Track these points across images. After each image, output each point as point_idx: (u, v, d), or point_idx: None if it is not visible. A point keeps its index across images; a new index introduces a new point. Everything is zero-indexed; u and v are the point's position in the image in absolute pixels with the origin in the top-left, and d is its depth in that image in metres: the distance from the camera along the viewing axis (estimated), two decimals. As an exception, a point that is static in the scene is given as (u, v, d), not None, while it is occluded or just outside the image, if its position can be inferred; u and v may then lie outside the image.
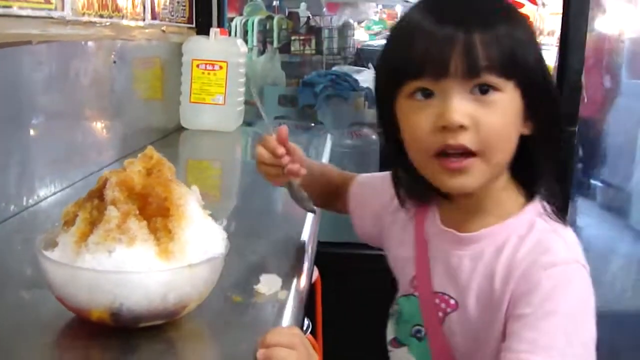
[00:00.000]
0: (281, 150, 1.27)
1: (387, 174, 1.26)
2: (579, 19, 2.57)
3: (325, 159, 2.55)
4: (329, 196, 1.43)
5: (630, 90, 4.59)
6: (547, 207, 1.10)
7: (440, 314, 1.14)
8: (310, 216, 1.52)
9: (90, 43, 1.87)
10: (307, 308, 1.13)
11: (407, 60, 1.04)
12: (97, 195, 0.96)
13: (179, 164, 2.56)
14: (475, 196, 1.10)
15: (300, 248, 1.39)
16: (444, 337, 1.14)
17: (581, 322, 1.00)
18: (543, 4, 5.55)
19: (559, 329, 0.98)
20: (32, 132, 1.56)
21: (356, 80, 4.05)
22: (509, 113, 1.03)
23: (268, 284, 1.13)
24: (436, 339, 1.15)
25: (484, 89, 1.01)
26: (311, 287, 2.43)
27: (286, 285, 1.16)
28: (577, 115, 2.61)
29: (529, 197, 1.11)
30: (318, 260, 1.58)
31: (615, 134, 4.72)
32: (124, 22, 2.13)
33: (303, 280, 1.24)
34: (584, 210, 4.95)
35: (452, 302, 1.12)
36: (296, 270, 1.26)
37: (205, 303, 1.01)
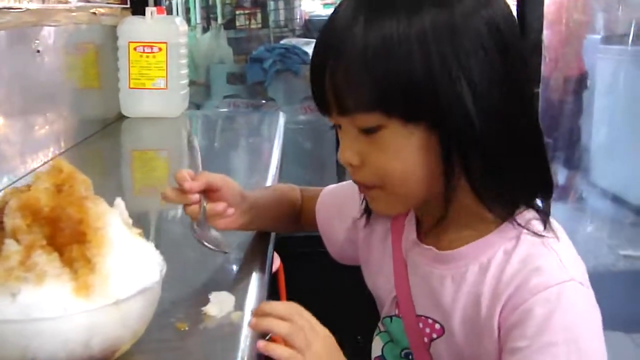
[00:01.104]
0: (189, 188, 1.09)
1: (346, 186, 1.23)
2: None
3: (278, 137, 2.41)
4: (289, 218, 1.31)
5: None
6: (534, 215, 0.99)
7: (426, 339, 1.05)
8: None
9: (5, 31, 1.67)
10: (270, 297, 0.99)
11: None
12: (-3, 223, 0.78)
13: (122, 156, 2.41)
14: (440, 210, 0.98)
15: (252, 257, 1.22)
16: None
17: (586, 348, 0.91)
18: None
19: None
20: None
21: (306, 53, 3.95)
22: (400, 150, 0.94)
23: (219, 304, 0.97)
24: None
25: (365, 129, 0.94)
26: (273, 276, 2.29)
27: (240, 302, 1.00)
28: (539, 76, 2.54)
29: (512, 206, 0.98)
30: (278, 247, 1.43)
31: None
32: (47, 5, 1.93)
33: (259, 293, 1.07)
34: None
35: (437, 326, 1.03)
36: (250, 282, 1.10)
37: (143, 338, 0.84)
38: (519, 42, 0.97)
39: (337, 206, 1.25)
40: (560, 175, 5.02)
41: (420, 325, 1.05)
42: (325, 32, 0.97)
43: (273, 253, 1.29)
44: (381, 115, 0.91)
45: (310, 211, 1.30)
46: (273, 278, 2.32)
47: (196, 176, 1.10)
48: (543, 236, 0.96)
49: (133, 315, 0.78)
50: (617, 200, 4.75)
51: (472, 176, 0.94)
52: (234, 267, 1.17)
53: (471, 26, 0.91)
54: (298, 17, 4.94)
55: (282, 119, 2.78)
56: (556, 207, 4.82)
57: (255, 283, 1.10)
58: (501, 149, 0.93)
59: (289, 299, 2.44)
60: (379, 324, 1.17)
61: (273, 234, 1.33)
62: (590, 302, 0.95)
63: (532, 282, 0.92)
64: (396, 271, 1.10)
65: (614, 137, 4.89)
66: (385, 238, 1.13)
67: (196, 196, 1.09)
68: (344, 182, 1.27)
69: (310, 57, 1.00)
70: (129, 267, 0.79)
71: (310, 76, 0.98)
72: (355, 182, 1.01)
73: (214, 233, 1.13)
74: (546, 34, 2.68)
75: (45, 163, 1.87)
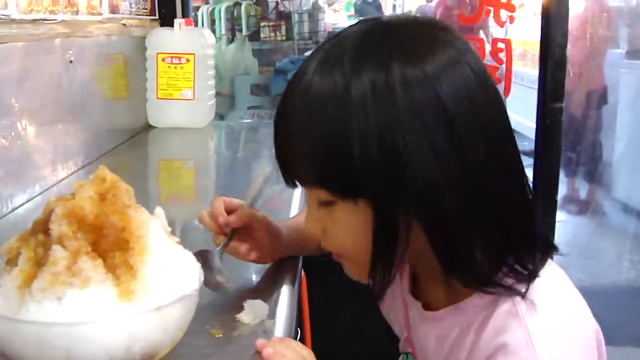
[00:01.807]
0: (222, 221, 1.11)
1: None
2: (561, -9, 2.47)
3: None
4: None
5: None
6: (513, 281, 0.91)
7: None
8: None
9: (41, 42, 1.71)
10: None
11: None
12: (42, 229, 0.80)
13: (149, 166, 2.43)
14: (426, 268, 0.98)
15: (284, 266, 1.24)
16: None
17: None
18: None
19: None
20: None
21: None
22: (350, 225, 0.90)
23: (253, 311, 0.99)
24: None
25: (321, 202, 0.92)
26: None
27: (273, 310, 1.02)
28: (563, 91, 2.53)
29: (484, 275, 0.91)
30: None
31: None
32: (79, 17, 1.96)
33: (288, 301, 1.09)
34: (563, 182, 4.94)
35: None
36: (279, 293, 1.12)
37: (179, 344, 0.86)
38: (480, 113, 0.87)
39: None
40: (581, 189, 4.99)
41: None
42: (279, 109, 0.94)
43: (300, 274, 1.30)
44: (325, 191, 0.89)
45: None
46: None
47: (236, 211, 1.11)
48: (520, 300, 0.89)
49: (173, 321, 0.80)
50: (638, 215, 4.72)
51: (432, 247, 0.89)
52: (266, 276, 1.19)
53: (414, 97, 0.83)
54: (322, 29, 4.94)
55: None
56: (577, 222, 4.81)
57: (286, 292, 1.12)
58: (463, 224, 0.87)
59: (310, 308, 2.45)
60: (400, 357, 1.16)
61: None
62: None
63: (497, 357, 0.87)
64: (404, 316, 1.10)
65: (636, 152, 4.86)
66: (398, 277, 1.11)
67: (228, 227, 1.11)
68: None
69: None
70: (169, 274, 0.81)
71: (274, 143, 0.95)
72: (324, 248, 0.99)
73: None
74: (570, 49, 2.66)
75: (75, 172, 1.90)
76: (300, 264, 1.28)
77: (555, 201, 2.67)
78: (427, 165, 0.83)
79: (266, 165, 2.28)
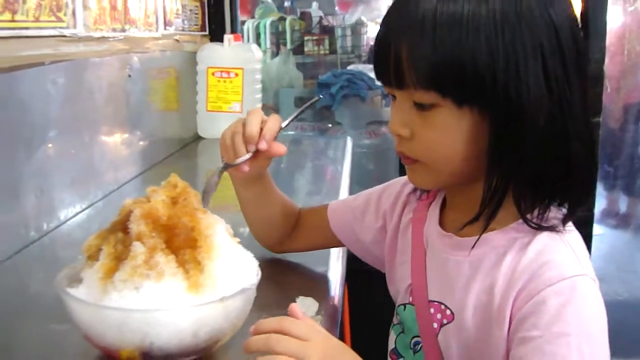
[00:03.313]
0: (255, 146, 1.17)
1: (365, 194, 1.29)
2: (598, 9, 2.53)
3: (347, 160, 2.51)
4: (285, 223, 1.34)
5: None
6: (555, 214, 0.99)
7: (435, 324, 1.06)
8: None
9: (104, 58, 1.83)
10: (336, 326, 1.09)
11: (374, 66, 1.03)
12: (121, 228, 0.91)
13: (198, 175, 2.53)
14: (472, 198, 1.01)
15: (332, 267, 1.34)
16: (438, 350, 1.06)
17: (596, 342, 0.91)
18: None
19: (573, 351, 0.88)
20: (48, 153, 1.52)
21: (372, 79, 4.00)
22: (449, 129, 0.96)
23: (304, 307, 1.08)
24: (430, 352, 1.07)
25: (419, 105, 0.96)
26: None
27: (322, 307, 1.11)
28: (600, 106, 2.57)
29: (540, 203, 0.98)
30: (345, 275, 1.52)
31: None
32: (138, 33, 2.09)
33: (337, 302, 1.19)
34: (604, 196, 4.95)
35: (447, 312, 1.04)
36: (328, 293, 1.22)
37: (240, 333, 0.95)
38: (578, 45, 0.96)
39: (358, 213, 1.27)
40: (621, 203, 5.00)
41: (432, 310, 1.06)
42: (399, 2, 0.99)
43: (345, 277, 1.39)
44: (436, 94, 0.93)
45: (309, 224, 1.34)
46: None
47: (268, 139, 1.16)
48: (560, 232, 0.97)
49: (234, 311, 0.91)
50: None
51: (512, 170, 0.95)
52: (316, 276, 1.30)
53: (535, 21, 0.92)
54: (364, 43, 5.01)
55: (349, 143, 2.87)
56: (616, 235, 4.82)
57: (338, 292, 1.24)
58: (547, 150, 0.94)
59: (351, 315, 2.53)
60: (394, 317, 1.18)
61: (345, 261, 1.44)
62: (601, 301, 0.93)
63: (546, 274, 0.92)
64: (414, 259, 1.12)
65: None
66: (407, 229, 1.16)
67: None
68: (351, 196, 1.33)
69: (380, 25, 1.01)
70: (231, 270, 0.92)
71: (375, 44, 1.00)
72: (399, 152, 1.02)
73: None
74: (607, 63, 2.71)
75: (131, 180, 2.02)
76: (343, 267, 1.38)
77: (593, 214, 2.72)
78: (538, 82, 0.91)
79: (309, 177, 2.38)
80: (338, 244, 1.32)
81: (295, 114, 1.26)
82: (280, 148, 1.18)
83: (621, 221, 4.92)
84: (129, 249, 0.87)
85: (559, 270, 0.92)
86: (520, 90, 0.91)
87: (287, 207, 1.33)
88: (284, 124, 1.19)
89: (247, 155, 1.17)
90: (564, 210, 0.99)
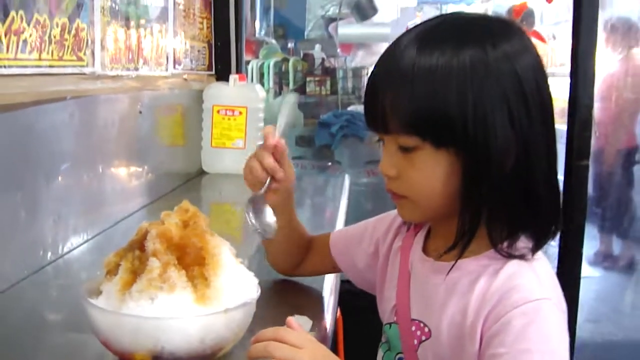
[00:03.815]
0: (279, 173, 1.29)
1: (362, 224, 1.39)
2: (587, 57, 2.63)
3: (344, 198, 2.61)
4: (300, 250, 1.45)
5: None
6: (525, 245, 1.09)
7: (416, 341, 1.15)
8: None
9: (118, 95, 1.96)
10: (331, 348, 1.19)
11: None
12: (138, 246, 1.03)
13: (202, 208, 2.60)
14: (452, 228, 1.10)
15: (325, 288, 1.45)
16: None
17: (557, 359, 1.00)
18: (554, 37, 5.63)
19: None
20: (65, 182, 1.64)
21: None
22: (429, 169, 1.07)
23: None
24: None
25: (403, 148, 1.07)
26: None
27: (316, 324, 1.22)
28: (589, 149, 2.65)
29: (510, 234, 1.09)
30: (340, 298, 1.62)
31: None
32: (149, 72, 2.22)
33: (329, 321, 1.30)
34: (599, 239, 5.02)
35: (426, 330, 1.14)
36: (322, 311, 1.33)
37: (241, 343, 1.07)
38: (542, 94, 1.07)
39: (355, 239, 1.38)
40: (616, 246, 5.07)
41: (413, 328, 1.15)
42: (383, 57, 1.11)
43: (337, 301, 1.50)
44: (417, 137, 1.05)
45: (318, 250, 1.45)
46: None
47: (284, 165, 1.31)
48: (528, 260, 1.07)
49: (236, 321, 1.03)
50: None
51: (482, 206, 1.06)
52: (311, 296, 1.42)
53: (501, 73, 1.03)
54: (364, 85, 5.12)
55: (347, 181, 2.97)
56: (611, 278, 4.88)
57: (329, 309, 1.35)
58: (513, 189, 1.05)
59: (346, 350, 2.61)
60: (382, 336, 1.27)
61: (338, 282, 1.55)
62: (563, 323, 1.04)
63: (513, 297, 1.02)
64: (400, 281, 1.22)
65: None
66: (396, 256, 1.26)
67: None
68: (352, 225, 1.44)
69: (369, 76, 1.14)
70: (235, 285, 1.04)
71: (365, 95, 1.12)
72: (388, 190, 1.14)
73: (268, 219, 1.30)
74: (597, 109, 2.80)
75: (138, 210, 2.13)
76: (337, 287, 1.48)
77: (581, 255, 2.80)
78: (504, 128, 1.03)
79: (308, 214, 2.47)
80: (338, 270, 1.44)
81: (280, 121, 1.38)
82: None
83: (614, 263, 4.99)
84: (145, 264, 1.00)
85: (524, 293, 1.02)
86: (488, 135, 1.02)
87: (304, 235, 1.45)
88: (278, 132, 1.34)
89: (267, 182, 1.29)
90: (531, 240, 1.10)
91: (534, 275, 1.06)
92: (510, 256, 1.07)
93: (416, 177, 1.08)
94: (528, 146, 1.05)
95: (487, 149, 1.03)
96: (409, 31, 1.11)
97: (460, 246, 1.09)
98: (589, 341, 3.91)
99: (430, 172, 1.07)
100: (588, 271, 4.66)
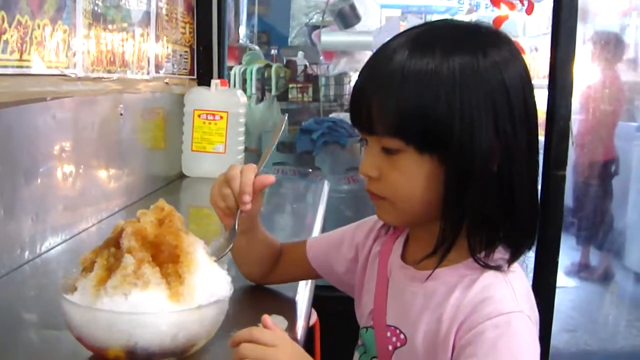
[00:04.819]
0: (247, 199, 1.26)
1: (341, 230, 1.40)
2: (566, 67, 2.66)
3: (322, 204, 2.63)
4: (270, 259, 1.44)
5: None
6: (502, 256, 1.10)
7: (390, 347, 1.16)
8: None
9: (99, 97, 1.97)
10: (307, 351, 1.21)
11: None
12: (114, 244, 1.05)
13: (181, 211, 2.58)
14: (430, 234, 1.11)
15: (300, 290, 1.48)
16: None
17: None
18: (536, 49, 5.69)
19: None
20: (44, 182, 1.65)
21: (353, 127, 4.11)
22: (411, 173, 1.08)
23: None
24: None
25: (386, 149, 1.08)
26: (310, 329, 2.50)
27: (290, 325, 1.24)
28: (566, 160, 2.68)
29: (488, 244, 1.10)
30: (316, 303, 1.65)
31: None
32: (130, 75, 2.24)
33: (301, 322, 1.32)
34: (576, 249, 5.07)
35: (402, 336, 1.15)
36: (296, 312, 1.35)
37: (213, 341, 1.09)
38: (527, 104, 1.08)
39: (334, 245, 1.39)
40: (593, 257, 5.12)
41: (389, 334, 1.17)
42: (373, 59, 1.12)
43: (311, 305, 1.51)
44: (401, 141, 1.05)
45: (290, 258, 1.44)
46: (309, 331, 2.50)
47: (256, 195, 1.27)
48: (504, 271, 1.08)
49: (209, 319, 1.05)
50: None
51: (464, 214, 1.07)
52: (286, 299, 1.44)
53: (489, 81, 1.04)
54: (346, 93, 5.14)
55: (326, 187, 2.98)
56: (588, 288, 4.92)
57: (302, 312, 1.37)
58: (494, 197, 1.06)
59: (322, 353, 2.63)
60: (359, 339, 1.28)
61: (312, 287, 1.57)
62: (534, 335, 1.04)
63: (487, 308, 1.03)
64: (378, 287, 1.23)
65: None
66: (375, 260, 1.28)
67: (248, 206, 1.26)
68: (328, 232, 1.45)
69: (357, 77, 1.14)
70: (208, 283, 1.06)
71: (352, 93, 1.13)
72: (368, 191, 1.14)
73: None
74: (574, 120, 2.84)
75: (117, 212, 2.14)
76: (311, 291, 1.51)
77: (557, 264, 2.83)
78: (489, 137, 1.04)
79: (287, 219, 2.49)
80: (316, 276, 1.44)
81: (265, 156, 1.38)
82: (267, 179, 1.29)
83: (590, 274, 5.04)
84: (120, 261, 1.02)
85: (497, 305, 1.04)
86: (473, 143, 1.03)
87: (272, 245, 1.44)
88: (260, 167, 1.31)
89: (237, 214, 1.28)
90: (507, 251, 1.11)
91: (508, 287, 1.07)
92: (486, 266, 1.08)
93: (397, 179, 1.09)
94: (511, 156, 1.06)
95: (471, 156, 1.04)
96: (399, 35, 1.12)
97: (439, 254, 1.10)
98: (564, 351, 3.95)
99: (412, 176, 1.08)
100: (564, 281, 4.72)
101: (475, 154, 1.04)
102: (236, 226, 1.28)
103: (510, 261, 1.10)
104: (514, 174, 1.07)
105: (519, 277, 1.11)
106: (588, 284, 5.06)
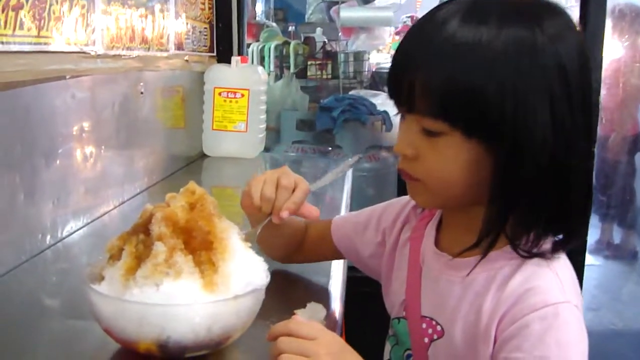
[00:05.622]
0: (285, 216, 1.22)
1: (368, 211, 1.34)
2: (595, 40, 2.60)
3: (347, 184, 2.57)
4: (295, 240, 1.39)
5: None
6: (548, 247, 1.03)
7: (426, 339, 1.10)
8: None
9: (119, 75, 1.91)
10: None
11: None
12: (143, 230, 0.98)
13: None
14: (467, 220, 1.05)
15: (333, 275, 1.42)
16: None
17: None
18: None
19: None
20: (65, 163, 1.59)
21: (373, 104, 4.07)
22: (453, 158, 0.99)
23: (311, 311, 1.11)
24: None
25: (427, 131, 1.00)
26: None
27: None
28: (595, 136, 2.62)
29: (534, 232, 1.02)
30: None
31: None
32: (150, 53, 2.17)
33: (338, 309, 1.26)
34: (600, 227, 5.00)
35: (438, 328, 1.09)
36: (330, 299, 1.30)
37: (249, 332, 1.03)
38: (586, 87, 0.98)
39: (360, 227, 1.33)
40: (616, 235, 5.05)
41: (424, 325, 1.10)
42: (417, 28, 1.03)
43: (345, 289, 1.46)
44: (446, 123, 0.97)
45: (315, 237, 1.40)
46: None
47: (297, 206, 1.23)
48: (548, 259, 1.01)
49: (245, 309, 0.98)
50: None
51: (513, 201, 0.98)
52: (319, 287, 1.38)
53: (547, 59, 0.94)
54: (366, 69, 5.08)
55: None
56: (612, 266, 4.87)
57: (339, 302, 1.31)
58: (547, 184, 0.97)
59: (347, 335, 2.58)
60: (390, 329, 1.22)
61: (346, 270, 1.51)
62: (583, 327, 0.97)
63: (531, 299, 0.96)
64: (410, 276, 1.16)
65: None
66: (404, 246, 1.21)
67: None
68: (354, 212, 1.39)
69: (397, 45, 1.04)
70: (243, 271, 0.99)
71: (391, 67, 1.03)
72: (400, 170, 1.06)
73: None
74: (603, 95, 2.78)
75: (139, 193, 2.09)
76: (344, 278, 1.45)
77: (585, 244, 2.78)
78: (544, 117, 0.94)
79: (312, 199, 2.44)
80: (340, 256, 1.39)
81: (324, 179, 1.35)
82: (312, 213, 1.25)
83: (615, 252, 4.98)
84: (150, 249, 0.95)
85: (543, 296, 0.97)
86: (527, 127, 0.94)
87: (297, 228, 1.38)
88: (312, 188, 1.27)
89: (266, 220, 1.23)
90: (554, 239, 1.03)
91: (553, 276, 1.00)
92: (530, 255, 1.01)
93: (436, 162, 1.01)
94: (567, 142, 0.96)
95: (524, 143, 0.95)
96: (447, 2, 1.01)
97: (484, 244, 1.02)
98: (589, 330, 3.86)
99: (453, 160, 0.99)
100: (589, 260, 4.64)
101: (529, 141, 0.95)
102: (257, 232, 1.23)
103: (556, 249, 1.03)
104: (570, 162, 0.97)
105: (564, 264, 1.04)
106: (612, 263, 4.99)
